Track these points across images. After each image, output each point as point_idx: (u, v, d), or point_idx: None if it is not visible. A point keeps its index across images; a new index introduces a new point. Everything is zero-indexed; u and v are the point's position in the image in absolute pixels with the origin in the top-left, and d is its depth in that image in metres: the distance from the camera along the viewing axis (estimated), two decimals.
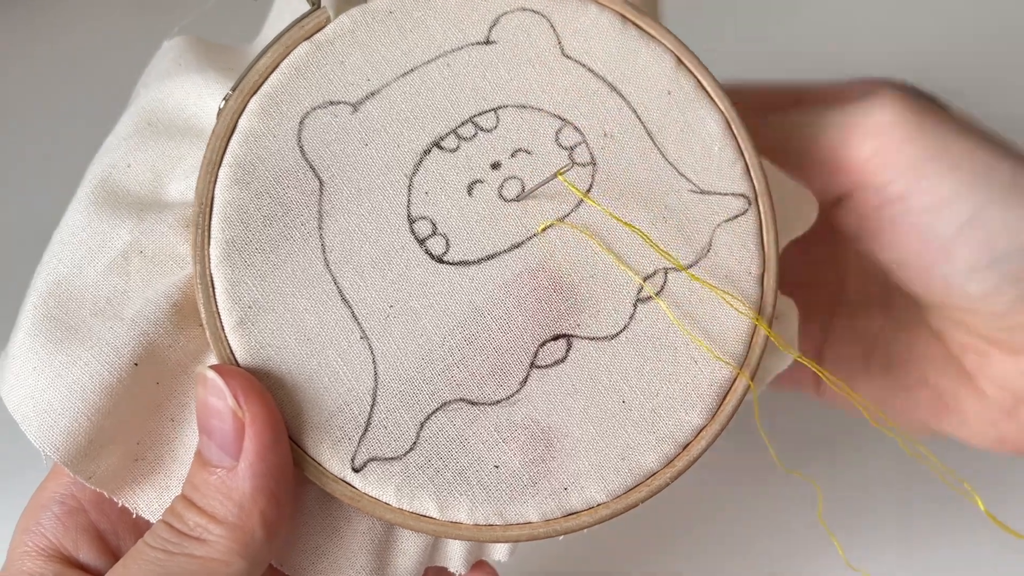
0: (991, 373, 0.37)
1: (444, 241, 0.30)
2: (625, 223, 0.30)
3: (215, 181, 0.29)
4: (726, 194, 0.32)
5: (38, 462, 0.28)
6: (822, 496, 0.34)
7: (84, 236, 0.30)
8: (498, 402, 0.29)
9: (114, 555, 0.29)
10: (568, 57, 0.31)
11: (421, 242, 0.30)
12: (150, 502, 0.29)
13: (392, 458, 0.29)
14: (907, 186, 0.34)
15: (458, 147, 0.30)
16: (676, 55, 0.32)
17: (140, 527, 0.30)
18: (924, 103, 0.35)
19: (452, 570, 0.31)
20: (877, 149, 0.34)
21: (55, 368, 0.28)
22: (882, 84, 0.35)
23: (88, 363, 0.28)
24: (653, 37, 0.32)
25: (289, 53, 0.30)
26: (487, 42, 0.31)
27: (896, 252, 0.34)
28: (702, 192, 0.32)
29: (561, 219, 0.30)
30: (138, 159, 0.31)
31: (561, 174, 0.30)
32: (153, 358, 0.29)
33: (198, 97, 0.32)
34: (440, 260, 0.30)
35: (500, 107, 0.31)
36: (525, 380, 0.30)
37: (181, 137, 0.32)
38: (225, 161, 0.29)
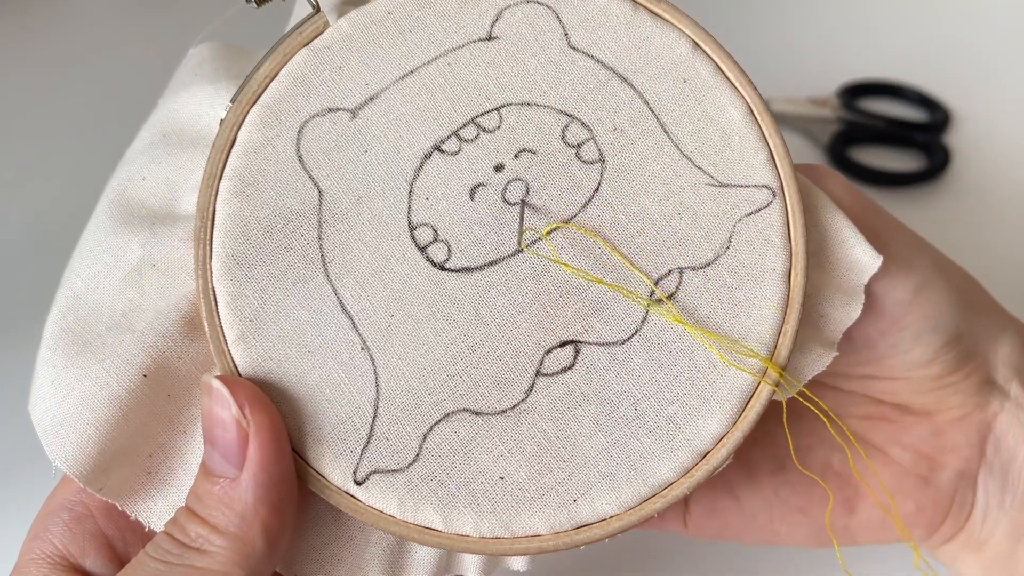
0: (905, 440, 0.35)
1: (446, 248, 0.29)
2: (578, 272, 0.29)
3: (216, 194, 0.29)
4: (748, 186, 0.30)
5: (51, 468, 0.29)
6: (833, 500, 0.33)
7: (100, 251, 0.31)
8: (503, 412, 0.29)
9: (121, 562, 0.30)
10: (575, 49, 0.30)
11: (422, 249, 0.29)
12: (162, 514, 0.30)
13: (395, 470, 0.28)
14: None
15: (460, 150, 0.29)
16: (693, 39, 0.30)
17: (148, 534, 0.30)
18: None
19: None
20: None
21: (68, 381, 0.29)
22: (820, 167, 0.34)
23: (98, 376, 0.29)
24: (668, 21, 0.30)
25: (288, 61, 0.30)
26: (489, 38, 0.30)
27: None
28: (721, 185, 0.30)
29: (567, 221, 0.29)
30: (153, 172, 0.32)
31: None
32: (163, 370, 0.29)
33: (210, 107, 0.32)
34: (442, 267, 0.29)
35: (503, 106, 0.30)
36: (531, 389, 0.29)
37: (194, 149, 0.32)
38: (225, 174, 0.29)
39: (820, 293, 0.31)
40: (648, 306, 0.29)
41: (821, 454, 0.36)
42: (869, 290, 0.31)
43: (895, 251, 0.32)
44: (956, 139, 0.57)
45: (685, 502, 0.37)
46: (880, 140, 0.58)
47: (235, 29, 0.39)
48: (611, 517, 0.29)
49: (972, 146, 0.57)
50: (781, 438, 0.33)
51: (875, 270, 0.31)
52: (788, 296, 0.30)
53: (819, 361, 0.31)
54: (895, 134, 0.58)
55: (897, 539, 0.36)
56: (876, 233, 0.32)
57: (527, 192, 0.29)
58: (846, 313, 0.31)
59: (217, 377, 0.28)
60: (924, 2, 0.63)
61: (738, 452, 0.29)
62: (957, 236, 0.45)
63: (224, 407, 0.27)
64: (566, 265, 0.29)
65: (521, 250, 0.29)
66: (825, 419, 0.31)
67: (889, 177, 0.56)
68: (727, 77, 0.30)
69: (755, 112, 0.30)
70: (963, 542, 0.35)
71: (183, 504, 0.29)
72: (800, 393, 0.30)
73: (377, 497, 0.28)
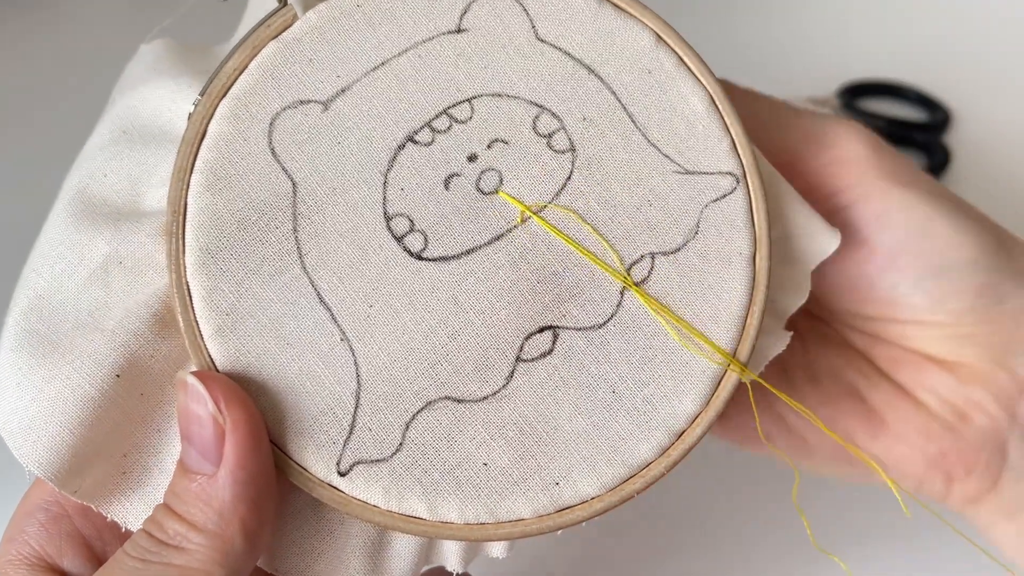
0: (929, 384, 0.36)
1: (422, 237, 0.29)
2: (568, 240, 0.29)
3: (187, 188, 0.29)
4: (713, 173, 0.31)
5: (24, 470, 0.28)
6: (799, 477, 0.34)
7: (63, 249, 0.30)
8: (484, 398, 0.29)
9: (99, 561, 0.29)
10: (543, 41, 0.31)
11: (399, 240, 0.29)
12: (139, 514, 0.29)
13: (378, 460, 0.28)
14: (858, 195, 0.34)
15: (433, 140, 0.30)
16: (655, 32, 0.31)
17: (126, 533, 0.30)
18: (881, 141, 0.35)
19: (450, 568, 0.31)
20: (833, 159, 0.34)
21: (37, 383, 0.28)
22: (846, 120, 0.35)
23: (69, 376, 0.28)
24: (631, 15, 0.31)
25: (257, 54, 0.30)
26: (459, 30, 0.30)
27: (838, 263, 0.34)
28: (688, 172, 0.31)
29: (542, 208, 0.30)
30: (114, 168, 0.31)
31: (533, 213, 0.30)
32: (135, 369, 0.29)
33: (172, 103, 0.32)
34: (419, 257, 0.29)
35: (475, 97, 0.30)
36: (511, 375, 0.29)
37: (157, 144, 0.31)
38: (196, 167, 0.29)
39: (773, 278, 0.32)
40: (623, 290, 0.30)
41: (848, 376, 0.36)
42: (866, 227, 0.32)
43: (900, 191, 0.33)
44: (956, 139, 0.58)
45: None
46: None
47: (189, 26, 0.38)
48: (593, 499, 0.29)
49: (972, 146, 0.57)
50: (816, 354, 0.33)
51: (831, 252, 0.32)
52: (754, 278, 0.31)
53: (776, 344, 0.32)
54: (895, 134, 0.58)
55: (922, 481, 0.36)
56: (888, 173, 0.32)
57: (500, 182, 0.30)
58: (795, 297, 0.33)
59: (192, 373, 0.28)
60: (924, 2, 0.63)
61: (775, 361, 0.30)
62: None
63: (200, 403, 0.27)
64: (561, 235, 0.29)
65: (499, 237, 0.29)
66: (789, 399, 0.32)
67: None
68: (689, 68, 0.31)
69: (717, 102, 0.31)
70: (995, 507, 0.35)
71: (160, 503, 0.29)
72: (760, 379, 0.31)
73: (361, 488, 0.28)
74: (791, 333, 0.32)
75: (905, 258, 0.33)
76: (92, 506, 0.29)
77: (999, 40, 0.62)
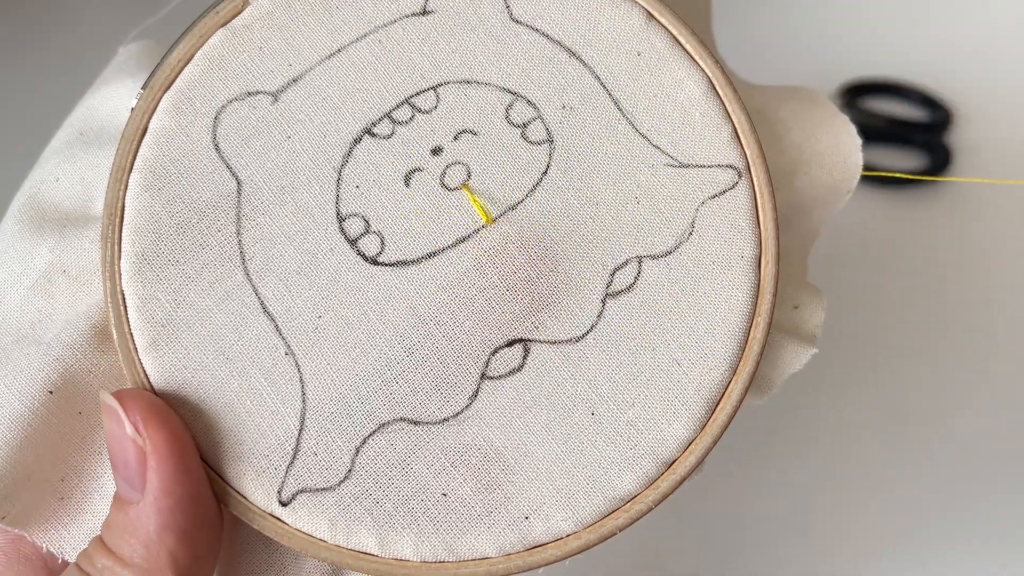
0: None
1: (379, 240, 0.26)
2: None
3: (125, 188, 0.27)
4: (711, 166, 0.27)
5: None
6: None
7: (6, 258, 0.28)
8: (444, 420, 0.26)
9: None
10: (518, 22, 0.28)
11: (352, 242, 0.26)
12: (76, 544, 0.27)
13: (324, 489, 0.25)
14: None
15: (393, 133, 0.27)
16: (647, 9, 0.28)
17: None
18: None
19: None
20: None
21: None
22: None
23: None
24: None
25: (203, 43, 0.27)
26: (424, 12, 0.27)
27: None
28: (682, 165, 0.27)
29: (513, 207, 0.27)
30: (67, 172, 0.29)
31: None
32: (72, 386, 0.26)
33: (131, 101, 0.30)
34: (374, 262, 0.26)
35: (440, 84, 0.27)
36: (475, 394, 0.26)
37: (112, 146, 0.29)
38: (135, 166, 0.27)
39: (791, 282, 0.28)
40: (605, 299, 0.26)
41: None
42: None
43: None
44: (958, 139, 0.57)
45: None
46: (881, 139, 0.57)
47: (176, 27, 0.36)
48: (568, 536, 0.26)
49: (974, 146, 0.56)
50: None
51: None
52: (759, 285, 0.27)
53: (795, 359, 0.28)
54: (897, 133, 0.58)
55: None
56: None
57: (468, 176, 0.27)
58: (815, 307, 0.29)
59: (114, 393, 0.25)
60: (926, 1, 0.63)
61: None
62: (958, 236, 0.44)
63: (119, 424, 0.25)
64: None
65: (465, 239, 0.26)
66: None
67: (890, 177, 0.55)
68: (685, 49, 0.28)
69: (716, 86, 0.28)
70: None
71: (98, 532, 0.27)
72: None
73: (305, 519, 0.25)
74: (814, 350, 0.28)
75: None
76: (25, 534, 0.26)
77: (1001, 40, 0.62)
